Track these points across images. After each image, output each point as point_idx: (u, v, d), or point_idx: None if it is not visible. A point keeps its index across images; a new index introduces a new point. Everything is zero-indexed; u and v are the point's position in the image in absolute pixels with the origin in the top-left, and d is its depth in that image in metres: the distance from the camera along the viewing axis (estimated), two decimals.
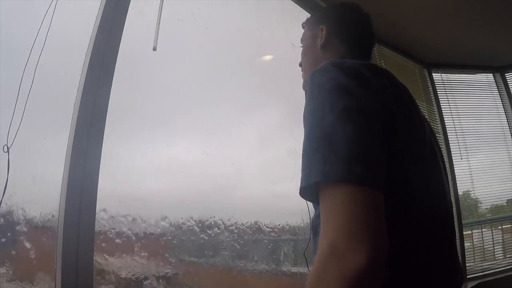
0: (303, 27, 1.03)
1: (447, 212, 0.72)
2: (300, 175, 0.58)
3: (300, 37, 1.03)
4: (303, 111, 0.67)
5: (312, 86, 0.64)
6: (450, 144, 3.00)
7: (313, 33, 0.95)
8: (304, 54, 0.98)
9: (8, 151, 0.93)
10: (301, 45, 1.00)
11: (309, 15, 1.06)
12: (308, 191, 0.57)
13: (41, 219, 1.00)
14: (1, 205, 0.90)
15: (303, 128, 0.67)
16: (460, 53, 3.13)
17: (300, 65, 1.01)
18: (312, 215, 0.80)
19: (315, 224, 0.73)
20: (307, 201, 0.71)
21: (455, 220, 2.41)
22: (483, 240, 2.93)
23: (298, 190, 0.59)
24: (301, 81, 1.02)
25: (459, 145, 3.06)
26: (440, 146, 0.87)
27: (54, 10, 1.06)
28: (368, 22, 0.95)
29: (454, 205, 2.59)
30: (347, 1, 0.99)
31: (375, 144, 0.56)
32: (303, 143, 0.60)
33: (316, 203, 0.60)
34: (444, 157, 0.83)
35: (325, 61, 0.68)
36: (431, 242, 0.64)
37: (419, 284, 0.60)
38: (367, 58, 0.93)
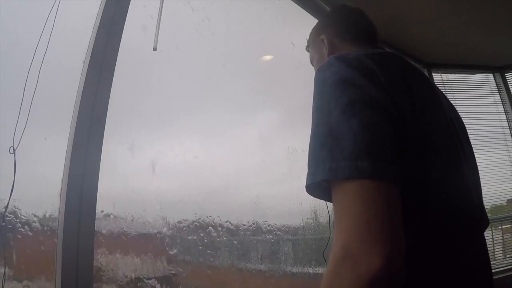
0: (307, 50, 1.05)
1: (470, 206, 0.67)
2: (306, 172, 0.57)
3: (304, 47, 1.06)
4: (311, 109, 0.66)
5: (317, 82, 0.63)
6: None
7: (318, 48, 0.98)
8: None
9: (14, 153, 0.94)
10: (314, 66, 1.02)
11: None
12: (315, 188, 0.56)
13: (41, 219, 1.00)
14: (6, 205, 0.90)
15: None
16: (460, 53, 3.13)
17: None
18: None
19: None
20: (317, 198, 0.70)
21: None
22: None
23: (304, 188, 0.57)
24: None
25: None
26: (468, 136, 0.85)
27: (57, 11, 1.06)
28: (361, 13, 0.97)
29: None
30: (335, 6, 1.02)
31: (383, 135, 0.53)
32: (310, 140, 0.58)
33: (325, 199, 0.58)
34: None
35: None
36: (453, 239, 0.60)
37: (439, 284, 0.57)
38: (374, 44, 0.92)
